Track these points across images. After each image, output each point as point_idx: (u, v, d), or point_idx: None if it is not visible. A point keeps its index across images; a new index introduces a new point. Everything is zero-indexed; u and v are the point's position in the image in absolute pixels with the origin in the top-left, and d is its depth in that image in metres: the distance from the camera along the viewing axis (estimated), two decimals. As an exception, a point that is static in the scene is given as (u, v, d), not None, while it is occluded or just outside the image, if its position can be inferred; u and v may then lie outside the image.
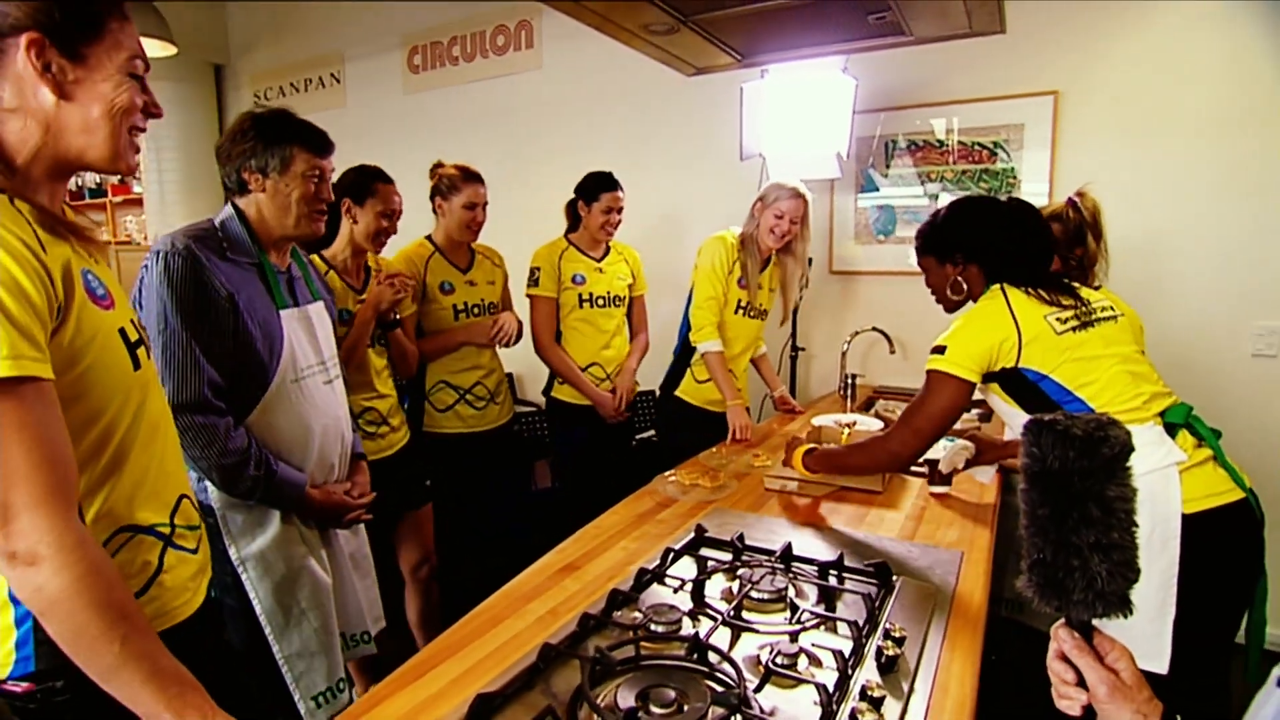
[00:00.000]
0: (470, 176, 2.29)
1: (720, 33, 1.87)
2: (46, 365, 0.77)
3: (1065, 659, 0.71)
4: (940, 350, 1.49)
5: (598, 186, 2.52)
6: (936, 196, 2.93)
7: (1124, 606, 0.67)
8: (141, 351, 0.94)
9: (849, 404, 2.76)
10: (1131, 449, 0.67)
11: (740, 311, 2.49)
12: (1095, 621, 0.70)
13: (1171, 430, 1.42)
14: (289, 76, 4.59)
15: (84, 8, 0.83)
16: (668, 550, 1.38)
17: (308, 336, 1.49)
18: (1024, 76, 2.70)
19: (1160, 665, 1.31)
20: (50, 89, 0.81)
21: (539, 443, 2.96)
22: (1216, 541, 1.34)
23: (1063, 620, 0.72)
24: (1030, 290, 1.49)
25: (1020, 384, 1.46)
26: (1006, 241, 1.56)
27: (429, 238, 2.35)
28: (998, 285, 1.52)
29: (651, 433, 3.30)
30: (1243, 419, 2.41)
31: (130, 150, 0.89)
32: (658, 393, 2.69)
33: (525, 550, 1.46)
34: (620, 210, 2.54)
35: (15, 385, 0.73)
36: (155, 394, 0.98)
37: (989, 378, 1.49)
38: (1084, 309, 1.48)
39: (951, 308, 1.70)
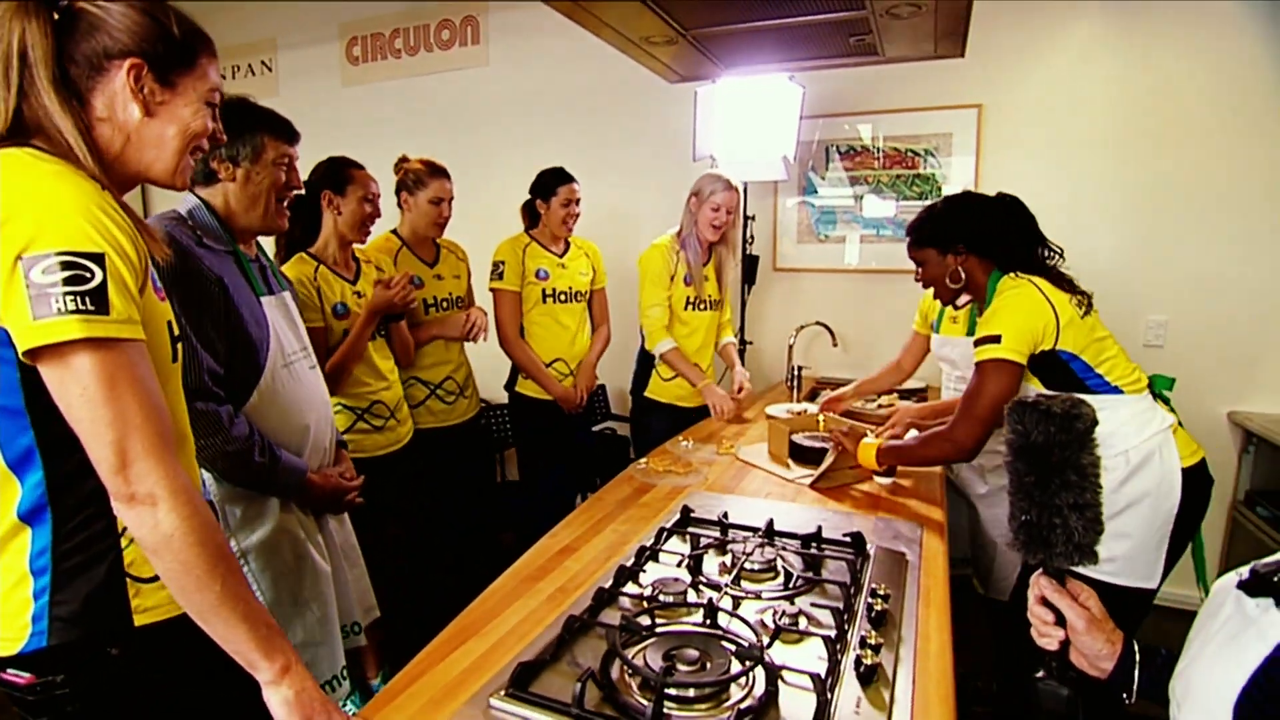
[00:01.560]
0: (436, 171, 2.32)
1: (712, 45, 1.97)
2: (141, 329, 0.84)
3: (1044, 603, 0.85)
4: (995, 339, 1.57)
5: (554, 181, 2.58)
6: (862, 198, 3.13)
7: (1093, 556, 0.82)
8: (179, 346, 0.98)
9: (795, 394, 2.93)
10: (1096, 423, 0.81)
11: (691, 307, 2.61)
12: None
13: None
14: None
15: (183, 44, 0.95)
16: (661, 529, 1.48)
17: (287, 323, 1.51)
18: (952, 89, 2.92)
19: (1152, 583, 1.58)
20: (139, 107, 0.91)
21: (504, 436, 3.00)
22: (1192, 491, 1.59)
23: (1041, 570, 0.87)
24: (1046, 276, 1.62)
25: (1053, 364, 1.59)
26: (1009, 232, 1.69)
27: (395, 232, 2.36)
28: (1012, 273, 1.64)
29: (609, 425, 3.39)
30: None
31: (188, 169, 0.98)
32: (628, 396, 2.77)
33: (503, 541, 1.52)
34: (578, 202, 2.61)
35: (126, 345, 0.81)
36: (180, 389, 1.01)
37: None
38: (1082, 295, 1.63)
39: (948, 297, 1.82)
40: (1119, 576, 1.55)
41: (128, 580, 0.92)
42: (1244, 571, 0.68)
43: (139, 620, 0.93)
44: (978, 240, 1.72)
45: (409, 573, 2.22)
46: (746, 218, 3.10)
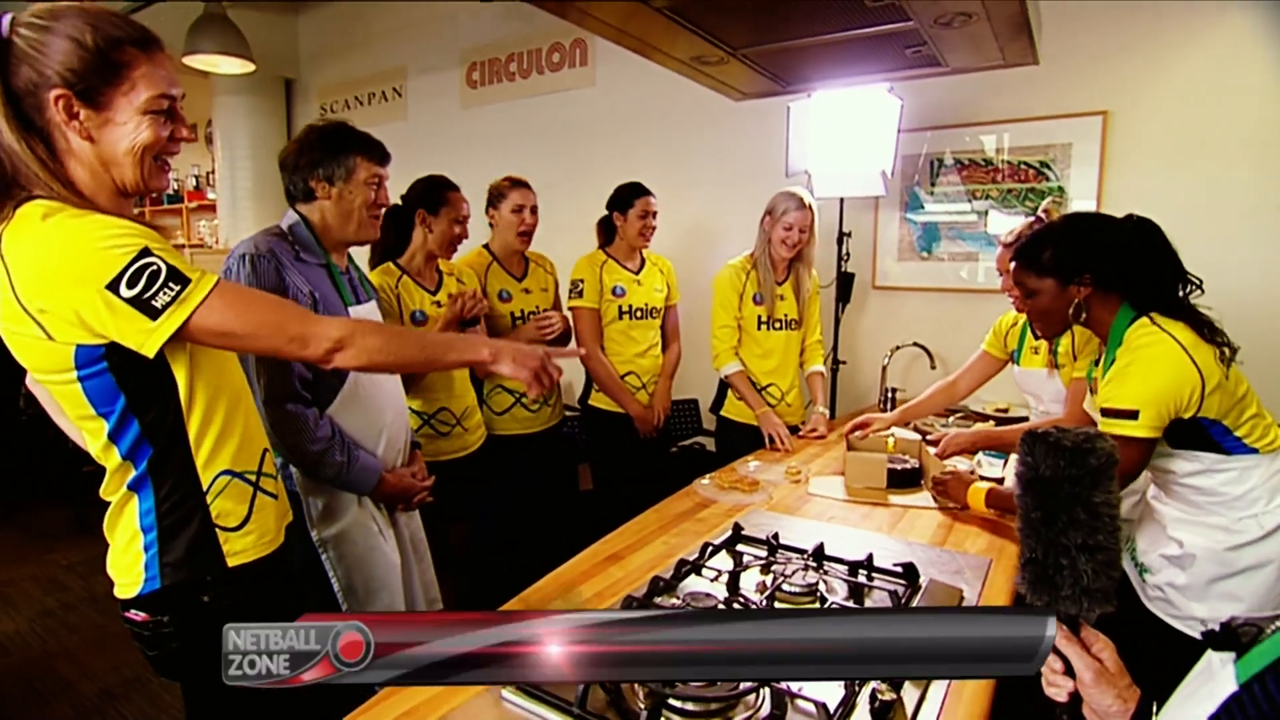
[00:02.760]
0: (516, 183, 2.45)
1: (766, 63, 1.98)
2: (211, 275, 0.99)
3: (1054, 650, 0.79)
4: (1130, 415, 1.37)
5: (631, 194, 2.63)
6: (985, 213, 2.97)
7: (1107, 601, 0.75)
8: None
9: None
10: (1116, 460, 0.75)
11: (764, 327, 2.57)
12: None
13: None
14: (354, 90, 4.84)
15: (105, 61, 0.94)
16: (706, 544, 1.48)
17: None
18: (1072, 97, 2.72)
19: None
20: (79, 136, 0.95)
21: (582, 446, 3.08)
22: None
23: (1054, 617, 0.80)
24: (1189, 324, 1.40)
25: (1189, 429, 1.41)
26: (1147, 263, 1.44)
27: (487, 247, 2.50)
28: (1147, 319, 1.41)
29: (697, 440, 3.39)
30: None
31: (156, 175, 1.02)
32: (712, 414, 2.77)
33: (568, 547, 1.57)
34: (654, 215, 2.65)
35: (217, 284, 0.97)
36: (239, 369, 1.17)
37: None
38: (1224, 337, 1.42)
39: (1056, 333, 1.64)
40: None
41: (217, 530, 1.08)
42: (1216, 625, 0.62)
43: (231, 562, 1.09)
44: (1110, 272, 1.47)
45: (472, 569, 2.33)
46: (843, 234, 3.04)
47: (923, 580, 1.35)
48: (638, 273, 2.71)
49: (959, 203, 3.03)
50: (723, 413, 2.67)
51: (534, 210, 2.46)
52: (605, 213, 2.74)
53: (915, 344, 3.03)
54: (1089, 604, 0.74)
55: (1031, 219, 2.06)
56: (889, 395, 2.91)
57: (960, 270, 3.04)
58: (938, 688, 1.02)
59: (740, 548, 1.50)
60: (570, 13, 1.64)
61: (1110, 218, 1.52)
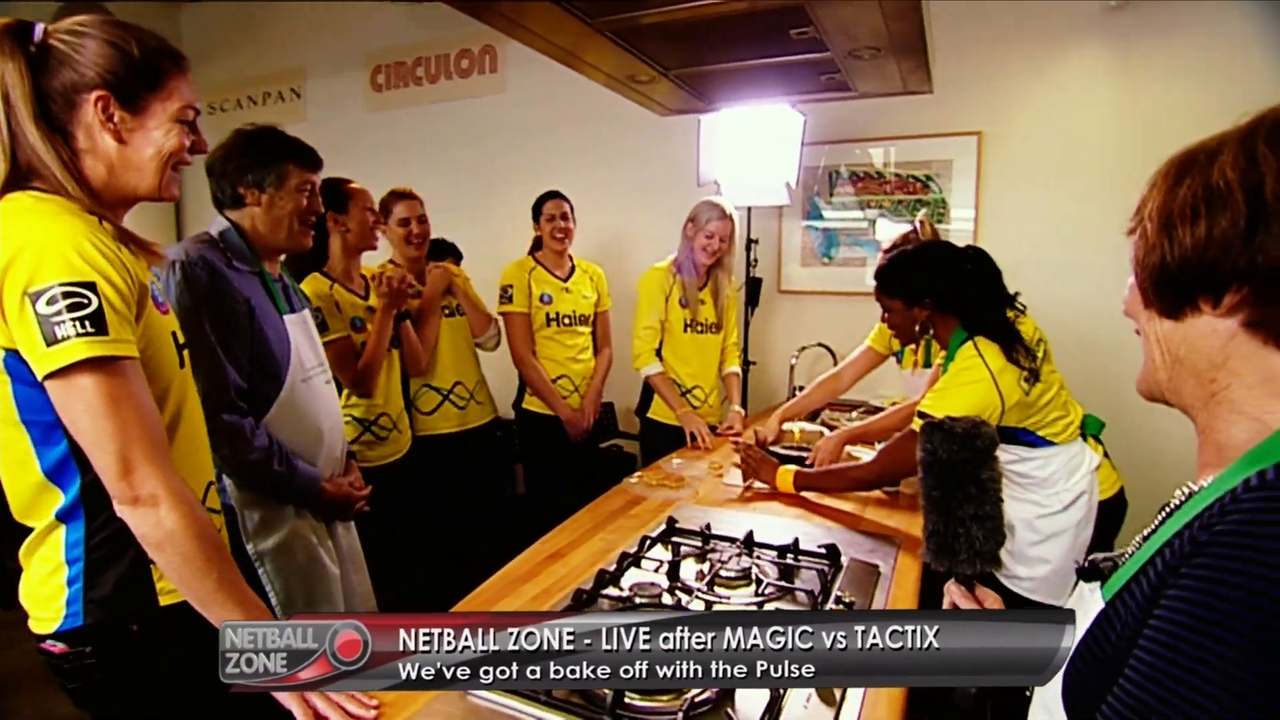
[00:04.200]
0: (400, 195, 2.44)
1: (694, 83, 2.09)
2: (135, 347, 0.94)
3: (954, 608, 0.91)
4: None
5: (540, 201, 2.73)
6: (874, 221, 3.20)
7: (996, 562, 0.89)
8: (186, 353, 1.09)
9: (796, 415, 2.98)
10: (996, 442, 0.89)
11: (689, 329, 2.68)
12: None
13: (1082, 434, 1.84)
14: (246, 89, 4.62)
15: (148, 67, 0.99)
16: (644, 538, 1.55)
17: (306, 339, 1.61)
18: (951, 117, 2.99)
19: (1062, 601, 1.63)
20: (112, 136, 0.97)
21: (514, 449, 3.09)
22: (1106, 520, 1.83)
23: (953, 579, 0.93)
24: (1003, 347, 1.70)
25: (1001, 432, 1.66)
26: (976, 293, 1.76)
27: (390, 262, 2.49)
28: (971, 343, 1.72)
29: (615, 442, 3.47)
30: (1133, 423, 2.70)
31: (172, 184, 1.05)
32: (636, 417, 2.85)
33: (510, 547, 1.60)
34: (565, 217, 2.71)
35: (121, 362, 0.91)
36: (193, 391, 1.12)
37: None
38: (1031, 361, 1.72)
39: (910, 342, 1.96)
40: (1036, 593, 1.79)
41: (151, 566, 1.01)
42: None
43: (164, 600, 1.03)
44: (945, 299, 1.78)
45: (409, 576, 2.31)
46: (750, 241, 3.19)
47: (844, 560, 1.47)
48: (566, 279, 2.77)
49: (854, 211, 3.26)
50: (649, 414, 2.75)
51: (421, 220, 2.47)
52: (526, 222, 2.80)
53: (819, 344, 3.22)
54: (981, 565, 0.87)
55: (908, 229, 2.29)
56: (796, 393, 3.06)
57: (857, 274, 3.26)
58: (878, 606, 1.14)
59: (676, 539, 1.57)
60: (500, 23, 1.68)
61: (951, 249, 1.83)
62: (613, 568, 1.40)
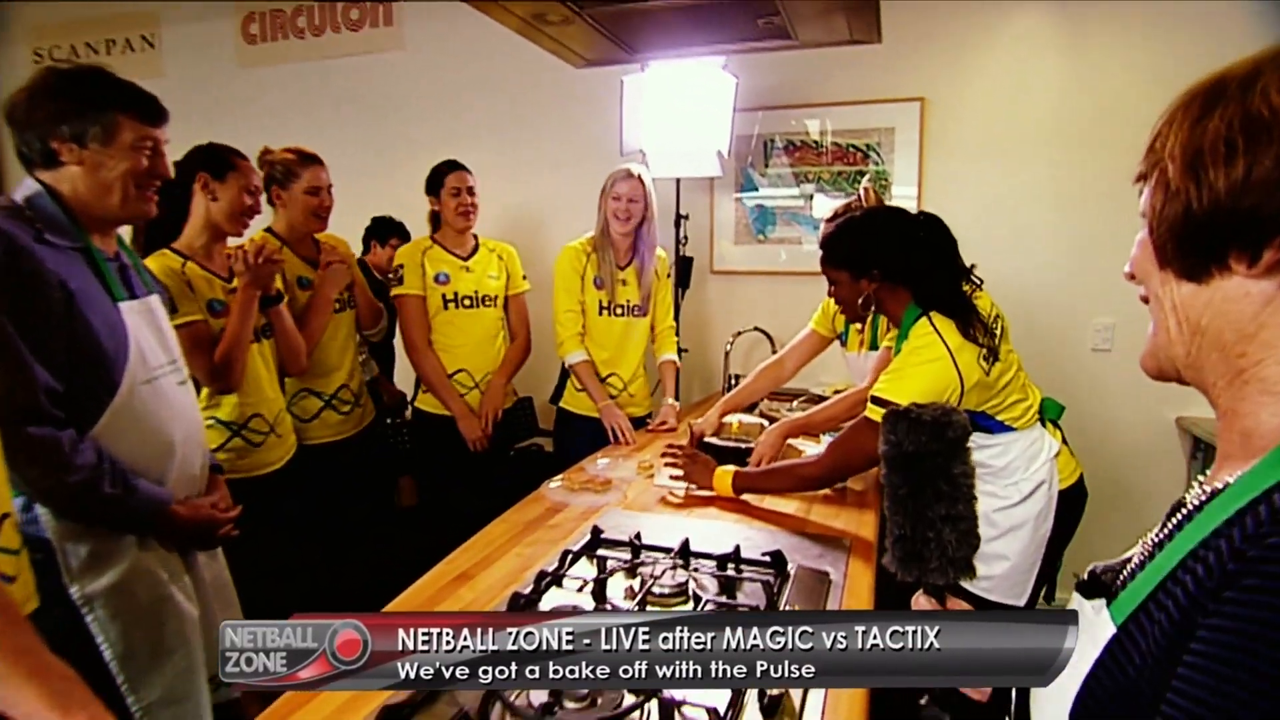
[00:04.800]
0: (308, 158, 2.29)
1: (613, 27, 1.99)
2: None
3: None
4: (887, 406, 1.50)
5: (440, 173, 2.59)
6: (811, 197, 3.20)
7: (969, 570, 0.84)
8: None
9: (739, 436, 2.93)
10: (969, 431, 0.84)
11: (605, 313, 2.60)
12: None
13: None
14: (85, 34, 4.21)
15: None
16: (565, 552, 1.46)
17: (153, 332, 1.44)
18: (893, 82, 3.01)
19: (1022, 600, 1.79)
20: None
21: (404, 456, 2.94)
22: (1065, 511, 1.82)
23: (922, 590, 0.88)
24: (959, 323, 1.65)
25: None
26: (930, 264, 1.69)
27: (270, 231, 2.31)
28: (926, 319, 1.66)
29: (535, 441, 3.36)
30: (1082, 408, 2.81)
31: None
32: (552, 405, 2.77)
33: (400, 570, 1.49)
34: (470, 190, 2.59)
35: None
36: None
37: None
38: (990, 339, 1.68)
39: (857, 318, 1.88)
40: (993, 594, 1.77)
41: None
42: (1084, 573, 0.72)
43: None
44: (894, 270, 1.73)
45: (296, 604, 2.16)
46: (679, 216, 3.14)
47: (790, 568, 1.42)
48: (467, 259, 2.63)
49: (789, 186, 3.24)
50: (562, 404, 2.68)
51: (330, 190, 2.34)
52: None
53: (756, 329, 3.20)
54: (954, 573, 0.82)
55: (851, 199, 2.27)
56: (733, 382, 3.04)
57: (795, 253, 3.25)
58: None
59: (602, 552, 1.49)
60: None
61: (903, 215, 1.78)
62: (529, 589, 1.31)
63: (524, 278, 2.79)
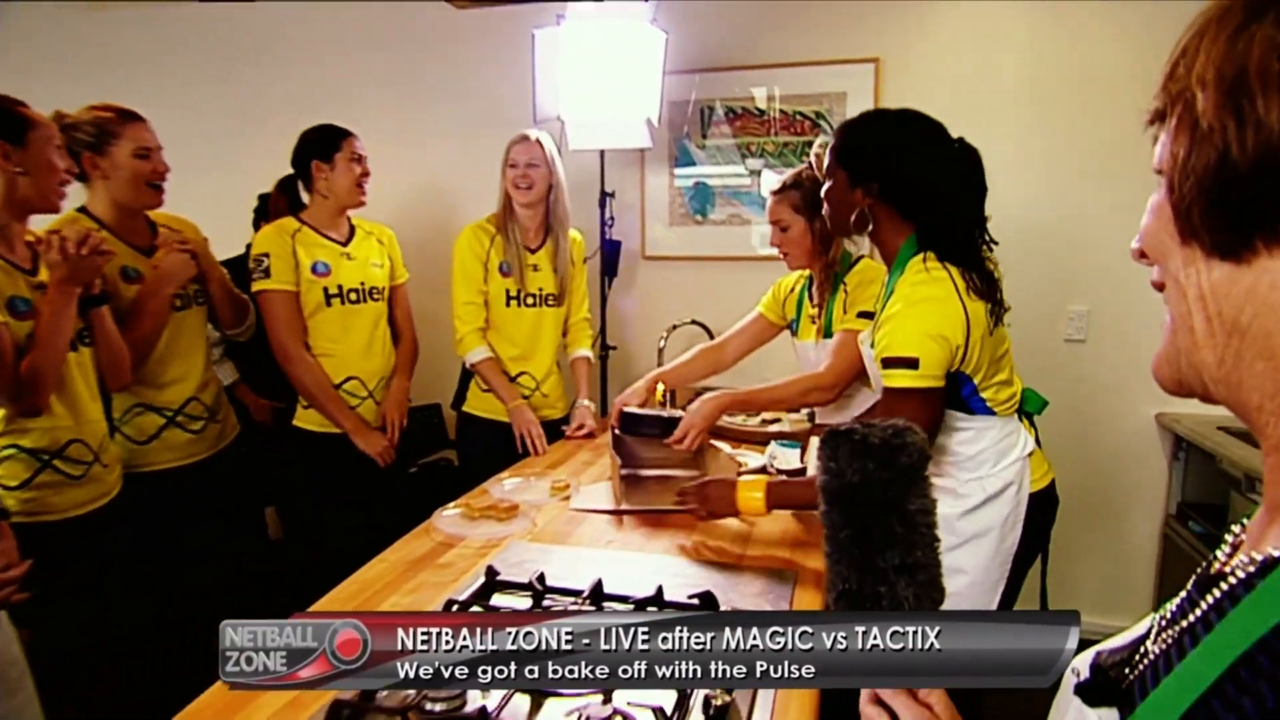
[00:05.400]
0: (128, 115, 2.03)
1: None
2: None
3: (878, 701, 0.72)
4: (910, 364, 1.45)
5: (333, 135, 2.35)
6: (759, 173, 3.08)
7: None
8: None
9: (667, 409, 2.79)
10: (928, 456, 0.72)
11: (514, 303, 2.48)
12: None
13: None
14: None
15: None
16: (450, 602, 1.29)
17: None
18: (845, 42, 2.91)
19: None
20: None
21: (271, 484, 2.70)
22: (1035, 518, 1.66)
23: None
24: (968, 274, 1.49)
25: (949, 389, 1.52)
26: (953, 194, 1.52)
27: (84, 210, 2.04)
28: (937, 261, 1.49)
29: (438, 455, 3.20)
30: (1055, 403, 2.74)
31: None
32: (454, 411, 2.63)
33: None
34: (365, 159, 2.40)
35: None
36: None
37: None
38: (999, 296, 1.54)
39: (839, 232, 1.81)
40: None
41: None
42: (1082, 666, 0.60)
43: None
44: (904, 188, 1.53)
45: (126, 679, 1.92)
46: (605, 195, 3.01)
47: (724, 609, 1.28)
48: (346, 244, 2.41)
49: (732, 159, 3.12)
50: (465, 408, 2.55)
51: (161, 154, 2.08)
52: (288, 174, 2.45)
53: (694, 322, 3.07)
54: None
55: (803, 166, 2.16)
56: (668, 385, 2.90)
57: (739, 236, 3.14)
58: None
59: (497, 599, 1.34)
60: None
61: (936, 127, 1.55)
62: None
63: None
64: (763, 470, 1.98)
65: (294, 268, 2.29)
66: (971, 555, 1.62)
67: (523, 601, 1.33)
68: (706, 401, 1.97)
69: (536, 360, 2.53)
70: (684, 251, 3.21)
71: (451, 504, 1.83)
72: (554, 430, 2.52)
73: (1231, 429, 2.54)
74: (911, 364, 1.45)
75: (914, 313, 1.47)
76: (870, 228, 1.60)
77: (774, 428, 2.39)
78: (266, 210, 2.73)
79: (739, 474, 1.81)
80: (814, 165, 2.02)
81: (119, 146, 1.99)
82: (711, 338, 3.00)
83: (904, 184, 1.53)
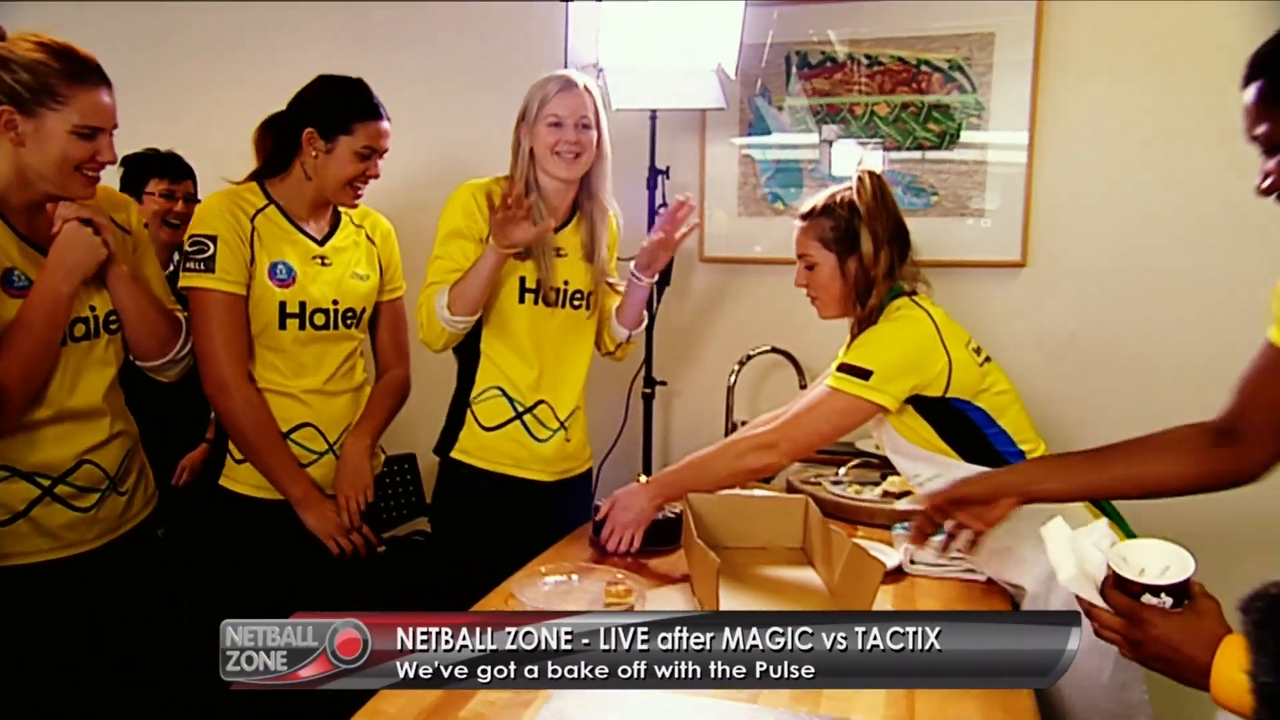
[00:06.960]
0: (83, 74, 1.82)
1: None
2: None
3: None
4: (863, 374, 1.84)
5: (354, 111, 2.15)
6: (830, 144, 3.02)
7: None
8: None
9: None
10: None
11: (529, 298, 2.26)
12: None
13: None
14: None
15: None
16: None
17: None
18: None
19: None
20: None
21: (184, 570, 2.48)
22: None
23: None
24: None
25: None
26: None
27: None
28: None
29: (413, 529, 3.25)
30: None
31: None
32: (437, 457, 2.41)
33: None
34: (382, 155, 2.22)
35: None
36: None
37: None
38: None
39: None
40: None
41: None
42: None
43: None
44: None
45: None
46: (656, 172, 2.89)
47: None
48: (324, 241, 2.20)
49: (827, 124, 3.02)
50: (454, 453, 2.31)
51: (110, 133, 1.89)
52: (283, 114, 2.21)
53: (774, 349, 2.95)
54: None
55: (842, 188, 2.14)
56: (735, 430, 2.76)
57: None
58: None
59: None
60: None
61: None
62: None
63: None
64: (899, 571, 1.94)
65: (247, 262, 2.08)
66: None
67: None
68: (634, 493, 2.06)
69: (563, 388, 2.32)
70: (757, 252, 3.12)
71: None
72: (577, 491, 2.41)
73: None
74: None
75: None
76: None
77: (903, 503, 2.25)
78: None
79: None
80: (865, 181, 2.06)
81: (56, 114, 1.78)
82: (798, 370, 2.94)
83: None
